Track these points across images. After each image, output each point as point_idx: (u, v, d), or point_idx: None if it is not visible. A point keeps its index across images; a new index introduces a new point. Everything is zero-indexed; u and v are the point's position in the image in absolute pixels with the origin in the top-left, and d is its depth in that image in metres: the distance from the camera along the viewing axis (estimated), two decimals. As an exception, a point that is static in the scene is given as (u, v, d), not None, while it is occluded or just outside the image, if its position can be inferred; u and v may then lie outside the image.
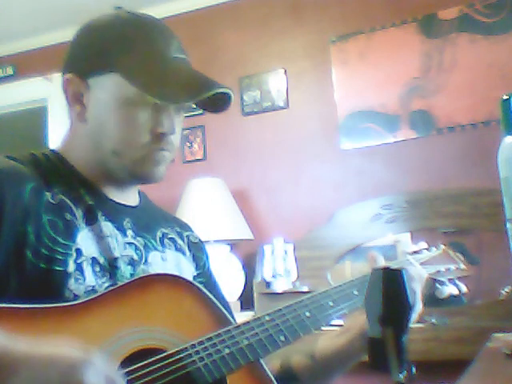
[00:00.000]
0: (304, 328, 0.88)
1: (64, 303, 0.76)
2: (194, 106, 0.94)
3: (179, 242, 1.03)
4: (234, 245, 2.76)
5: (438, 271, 1.10)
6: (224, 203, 2.69)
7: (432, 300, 1.05)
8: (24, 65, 3.50)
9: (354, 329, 0.96)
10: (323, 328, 0.94)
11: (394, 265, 1.03)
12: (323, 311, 0.92)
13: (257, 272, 2.67)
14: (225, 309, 0.88)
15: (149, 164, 0.90)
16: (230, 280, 2.57)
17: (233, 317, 0.92)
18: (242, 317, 0.93)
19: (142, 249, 0.93)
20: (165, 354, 0.76)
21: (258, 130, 2.96)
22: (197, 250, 1.07)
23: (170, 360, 0.76)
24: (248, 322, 0.84)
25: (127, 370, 0.72)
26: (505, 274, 2.02)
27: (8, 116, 3.64)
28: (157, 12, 2.42)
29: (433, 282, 1.10)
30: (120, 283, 0.83)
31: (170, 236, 1.02)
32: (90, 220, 0.87)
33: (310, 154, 2.84)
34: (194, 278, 1.02)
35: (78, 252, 0.83)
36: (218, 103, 0.92)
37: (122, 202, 0.95)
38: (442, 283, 1.09)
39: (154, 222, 1.01)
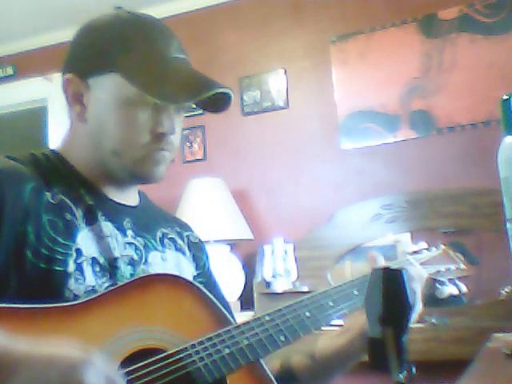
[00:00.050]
0: (304, 328, 0.88)
1: (64, 303, 0.76)
2: (194, 106, 0.94)
3: (179, 242, 1.03)
4: (234, 245, 2.76)
5: (438, 271, 1.10)
6: (224, 203, 2.69)
7: (432, 300, 1.05)
8: (24, 65, 3.50)
9: (353, 329, 0.96)
10: (323, 328, 0.94)
11: (394, 265, 1.03)
12: (323, 311, 0.92)
13: (257, 272, 2.67)
14: (225, 309, 0.88)
15: (149, 164, 0.90)
16: (230, 280, 2.57)
17: (233, 317, 0.92)
18: (241, 317, 0.92)
19: (141, 249, 0.93)
20: (165, 354, 0.76)
21: (258, 130, 2.96)
22: (197, 250, 1.07)
23: (170, 360, 0.76)
24: (248, 322, 0.84)
25: (127, 369, 0.72)
26: (505, 274, 2.02)
27: (8, 116, 3.64)
28: (157, 12, 2.42)
29: (433, 282, 1.09)
30: (120, 283, 0.83)
31: (170, 236, 1.02)
32: (90, 220, 0.87)
33: (309, 154, 2.84)
34: (194, 278, 1.02)
35: (78, 252, 0.83)
36: (218, 103, 0.92)
37: (122, 202, 0.95)
38: (441, 283, 1.09)
39: (154, 221, 1.01)
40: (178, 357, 0.76)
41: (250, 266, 2.73)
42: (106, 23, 0.92)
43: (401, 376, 0.62)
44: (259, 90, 2.97)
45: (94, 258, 0.85)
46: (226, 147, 3.02)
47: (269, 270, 2.59)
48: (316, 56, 2.88)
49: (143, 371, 0.73)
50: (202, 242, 1.10)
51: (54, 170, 0.90)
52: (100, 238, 0.87)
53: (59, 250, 0.81)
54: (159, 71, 0.88)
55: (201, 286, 0.87)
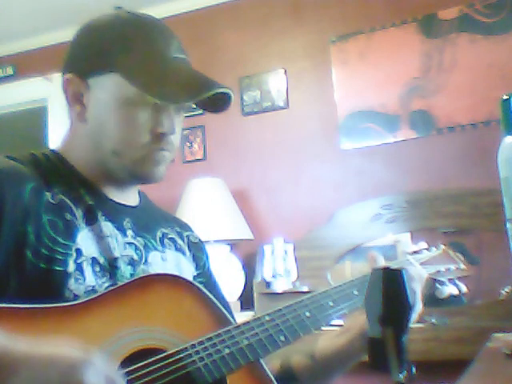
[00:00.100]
0: (304, 328, 0.88)
1: (64, 303, 0.76)
2: (194, 106, 0.94)
3: (179, 242, 1.03)
4: (234, 245, 2.76)
5: (438, 271, 1.10)
6: (224, 203, 2.69)
7: (432, 300, 1.05)
8: (24, 65, 3.50)
9: (353, 329, 0.96)
10: (323, 328, 0.94)
11: (394, 265, 1.03)
12: (323, 311, 0.92)
13: (257, 272, 2.67)
14: (225, 309, 0.88)
15: (149, 164, 0.90)
16: (230, 280, 2.57)
17: (233, 317, 0.92)
18: (242, 317, 0.92)
19: (141, 249, 0.93)
20: (165, 353, 0.76)
21: (258, 130, 2.96)
22: (197, 250, 1.07)
23: (170, 360, 0.76)
24: (248, 322, 0.84)
25: (127, 369, 0.72)
26: (505, 274, 2.02)
27: (8, 116, 3.64)
28: (157, 12, 2.42)
29: (433, 282, 1.09)
30: (120, 283, 0.83)
31: (170, 236, 1.02)
32: (90, 220, 0.87)
33: (310, 154, 2.84)
34: (194, 278, 1.02)
35: (78, 252, 0.83)
36: (218, 103, 0.92)
37: (122, 202, 0.95)
38: (441, 283, 1.09)
39: (154, 221, 1.01)
40: (177, 357, 0.76)
41: (250, 265, 2.73)
42: (106, 23, 0.92)
43: (401, 376, 0.62)
44: (259, 90, 2.97)
45: (94, 258, 0.85)
46: (225, 147, 3.02)
47: (269, 270, 2.59)
48: (316, 56, 2.88)
49: (143, 371, 0.73)
50: (202, 241, 1.10)
51: (54, 170, 0.90)
52: (100, 238, 0.87)
53: (59, 249, 0.81)
54: (159, 71, 0.88)
55: (201, 286, 0.87)
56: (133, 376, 0.72)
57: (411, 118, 2.65)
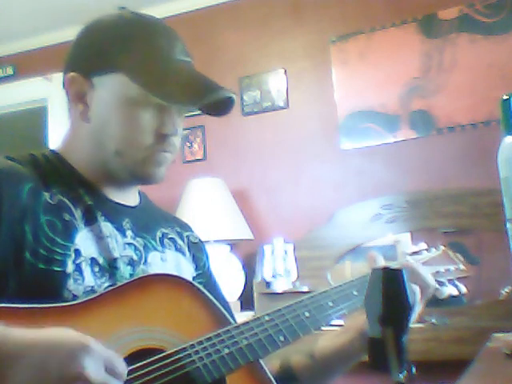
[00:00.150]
0: (303, 328, 0.88)
1: (63, 303, 0.76)
2: (198, 112, 0.94)
3: (179, 242, 1.03)
4: (234, 245, 2.76)
5: (438, 272, 1.10)
6: (224, 203, 2.69)
7: (432, 300, 1.05)
8: (24, 65, 3.50)
9: (353, 329, 0.96)
10: (323, 328, 0.94)
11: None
12: (323, 311, 0.92)
13: (257, 272, 2.67)
14: (225, 309, 0.88)
15: (150, 165, 0.90)
16: (230, 280, 2.57)
17: (233, 317, 0.92)
18: (242, 317, 0.92)
19: (141, 249, 0.93)
20: (164, 353, 0.76)
21: (258, 130, 2.96)
22: (197, 251, 1.07)
23: (169, 360, 0.76)
24: (247, 322, 0.84)
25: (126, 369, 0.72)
26: (505, 274, 2.02)
27: (8, 116, 3.64)
28: (157, 12, 2.41)
29: (432, 283, 1.09)
30: (119, 283, 0.82)
31: (169, 236, 1.01)
32: (90, 220, 0.87)
33: (310, 154, 2.84)
34: (194, 278, 1.01)
35: (77, 252, 0.83)
36: (220, 106, 0.92)
37: (122, 203, 0.95)
38: (441, 284, 1.09)
39: (154, 222, 1.00)
40: (177, 357, 0.76)
41: (250, 265, 2.73)
42: (111, 23, 0.92)
43: (401, 376, 0.62)
44: (259, 90, 2.97)
45: (93, 259, 0.85)
46: (226, 147, 3.02)
47: (269, 270, 2.59)
48: (316, 56, 2.88)
49: (142, 371, 0.73)
50: (202, 242, 1.10)
51: (53, 171, 0.90)
52: (99, 238, 0.87)
53: (58, 250, 0.81)
54: (163, 71, 0.87)
55: (200, 287, 0.86)
56: (132, 376, 0.72)
57: (411, 118, 2.65)
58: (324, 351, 0.99)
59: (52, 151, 0.94)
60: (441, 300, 1.09)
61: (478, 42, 2.56)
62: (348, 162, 2.76)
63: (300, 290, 2.46)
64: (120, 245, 0.89)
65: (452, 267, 1.14)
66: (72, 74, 0.90)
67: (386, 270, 0.67)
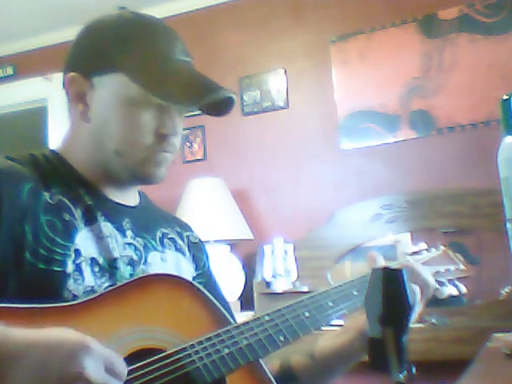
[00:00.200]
0: (303, 328, 0.88)
1: (63, 303, 0.76)
2: (198, 112, 0.94)
3: (179, 242, 1.03)
4: (234, 245, 2.76)
5: (438, 272, 1.10)
6: (224, 203, 2.69)
7: (432, 300, 1.05)
8: (24, 65, 3.50)
9: (353, 329, 0.96)
10: (323, 328, 0.94)
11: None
12: (323, 311, 0.92)
13: (257, 272, 2.67)
14: (225, 309, 0.88)
15: (150, 165, 0.90)
16: (230, 280, 2.57)
17: (233, 317, 0.92)
18: (242, 317, 0.92)
19: (141, 249, 0.93)
20: (164, 353, 0.76)
21: (258, 130, 2.96)
22: (197, 251, 1.07)
23: (169, 360, 0.76)
24: (247, 322, 0.84)
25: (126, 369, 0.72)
26: (505, 274, 2.02)
27: (8, 116, 3.64)
28: (157, 12, 2.41)
29: (432, 283, 1.09)
30: (119, 283, 0.82)
31: (169, 236, 1.01)
32: (89, 220, 0.87)
33: (310, 154, 2.84)
34: (194, 278, 1.01)
35: (77, 252, 0.83)
36: (220, 106, 0.92)
37: (122, 202, 0.95)
38: (441, 284, 1.09)
39: (154, 222, 1.00)
40: (177, 357, 0.76)
41: (250, 265, 2.73)
42: (111, 23, 0.92)
43: (401, 376, 0.62)
44: (259, 90, 2.97)
45: (93, 259, 0.85)
46: (226, 147, 3.02)
47: (269, 270, 2.59)
48: (316, 56, 2.88)
49: (142, 371, 0.73)
50: (202, 242, 1.10)
51: (53, 171, 0.90)
52: (99, 238, 0.87)
53: (58, 250, 0.81)
54: (164, 72, 0.87)
55: (200, 287, 0.86)
56: (132, 376, 0.72)
57: (411, 118, 2.65)
58: (324, 351, 0.99)
59: (52, 151, 0.94)
60: (441, 300, 1.09)
61: (477, 42, 2.56)
62: (348, 161, 2.76)
63: (300, 290, 2.46)
64: (120, 245, 0.89)
65: (452, 267, 1.14)
66: (72, 74, 0.90)
67: (386, 270, 0.67)
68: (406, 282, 0.65)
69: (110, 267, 0.86)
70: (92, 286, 0.82)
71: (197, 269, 1.04)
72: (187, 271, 1.01)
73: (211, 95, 0.86)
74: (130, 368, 0.72)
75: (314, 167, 2.82)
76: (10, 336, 0.62)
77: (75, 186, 0.89)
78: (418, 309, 0.96)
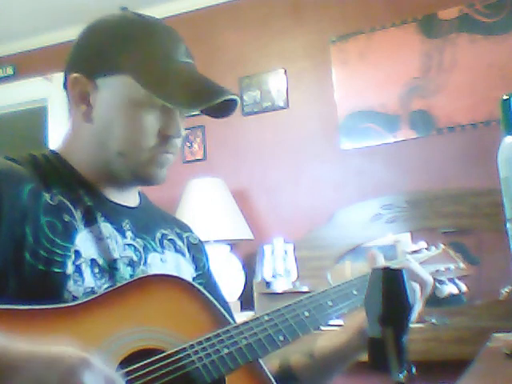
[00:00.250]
0: (303, 328, 0.88)
1: (63, 304, 0.76)
2: (199, 112, 0.94)
3: (179, 243, 1.03)
4: (234, 245, 2.76)
5: (438, 270, 1.10)
6: (224, 203, 2.69)
7: (432, 300, 1.05)
8: (24, 65, 3.50)
9: (353, 328, 0.96)
10: (322, 328, 0.94)
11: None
12: (322, 311, 0.92)
13: (257, 272, 2.67)
14: (224, 310, 0.88)
15: (153, 166, 0.90)
16: (230, 280, 2.57)
17: (232, 317, 0.92)
18: (242, 317, 0.92)
19: (141, 250, 0.93)
20: (163, 354, 0.76)
21: (258, 130, 2.96)
22: (196, 251, 1.07)
23: (169, 360, 0.76)
24: (247, 322, 0.84)
25: (126, 370, 0.72)
26: (505, 274, 2.02)
27: (8, 116, 3.64)
28: (157, 12, 2.42)
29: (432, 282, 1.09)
30: (119, 284, 0.82)
31: (169, 237, 1.01)
32: (89, 221, 0.87)
33: (310, 154, 2.84)
34: (194, 279, 1.01)
35: (77, 253, 0.83)
36: (222, 108, 0.92)
37: (122, 203, 0.95)
38: (441, 282, 1.09)
39: (154, 223, 1.00)
40: (176, 357, 0.76)
41: (250, 265, 2.73)
42: (114, 23, 0.92)
43: (401, 376, 0.62)
44: (259, 90, 2.97)
45: (93, 260, 0.85)
46: (226, 147, 3.02)
47: (269, 270, 2.59)
48: (316, 56, 2.88)
49: (142, 371, 0.73)
50: (201, 242, 1.10)
51: (53, 171, 0.89)
52: (99, 239, 0.87)
53: (58, 251, 0.81)
54: (169, 74, 0.87)
55: (200, 287, 0.87)
56: (132, 376, 0.72)
57: (411, 117, 2.65)
58: (323, 351, 0.99)
59: (52, 151, 0.94)
60: (441, 299, 1.09)
61: (477, 42, 2.56)
62: (348, 162, 2.76)
63: (300, 290, 2.46)
64: (120, 246, 0.89)
65: (452, 266, 1.14)
66: (75, 74, 0.90)
67: (386, 269, 0.67)
68: (406, 281, 0.65)
69: (109, 268, 0.86)
70: (92, 287, 0.82)
71: (196, 269, 1.04)
72: (187, 272, 1.01)
73: (214, 98, 0.86)
74: (130, 368, 0.72)
75: (313, 167, 2.82)
76: (12, 348, 0.61)
77: (75, 187, 0.89)
78: (417, 307, 0.96)
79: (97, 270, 0.84)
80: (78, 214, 0.86)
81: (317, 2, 2.90)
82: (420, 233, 2.41)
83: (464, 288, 1.13)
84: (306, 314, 0.90)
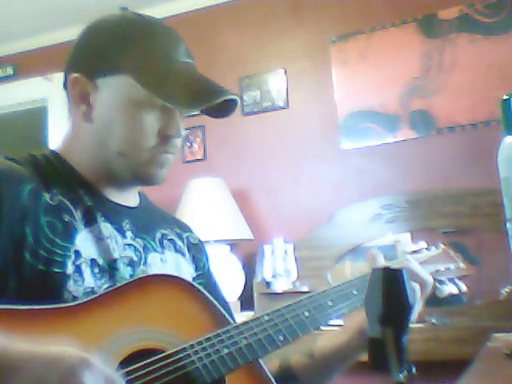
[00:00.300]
0: (303, 328, 0.88)
1: (63, 304, 0.76)
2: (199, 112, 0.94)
3: (179, 243, 1.03)
4: (234, 245, 2.76)
5: (438, 270, 1.10)
6: (224, 203, 2.69)
7: (432, 300, 1.05)
8: (24, 65, 3.50)
9: (353, 328, 0.96)
10: (322, 328, 0.94)
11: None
12: (322, 311, 0.92)
13: (257, 272, 2.67)
14: (224, 310, 0.88)
15: (153, 166, 0.90)
16: (230, 280, 2.57)
17: (232, 317, 0.92)
18: (242, 317, 0.92)
19: (141, 250, 0.93)
20: (163, 354, 0.76)
21: (258, 130, 2.96)
22: (196, 251, 1.07)
23: (169, 360, 0.76)
24: (247, 322, 0.84)
25: (126, 370, 0.72)
26: (505, 274, 2.02)
27: (8, 116, 3.64)
28: (157, 12, 2.42)
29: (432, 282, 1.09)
30: (119, 284, 0.82)
31: (169, 237, 1.01)
32: (89, 221, 0.87)
33: (310, 154, 2.84)
34: (194, 279, 1.01)
35: (77, 254, 0.83)
36: (222, 108, 0.92)
37: (122, 203, 0.95)
38: (441, 282, 1.09)
39: (154, 223, 1.00)
40: (176, 357, 0.76)
41: (250, 265, 2.73)
42: (115, 23, 0.92)
43: (401, 376, 0.62)
44: (259, 90, 2.97)
45: (93, 260, 0.85)
46: (226, 147, 3.02)
47: (269, 270, 2.59)
48: (316, 56, 2.88)
49: (142, 371, 0.73)
50: (201, 242, 1.10)
51: (53, 171, 0.89)
52: (99, 239, 0.87)
53: (58, 251, 0.81)
54: (170, 74, 0.87)
55: (200, 287, 0.87)
56: (132, 376, 0.72)
57: (411, 117, 2.65)
58: (323, 351, 0.99)
59: (52, 151, 0.94)
60: (441, 299, 1.09)
61: (477, 42, 2.56)
62: (348, 162, 2.76)
63: (300, 290, 2.46)
64: (120, 246, 0.89)
65: (452, 266, 1.14)
66: (75, 74, 0.90)
67: (386, 269, 0.67)
68: (406, 281, 0.65)
69: (109, 268, 0.86)
70: (92, 287, 0.82)
71: (196, 269, 1.04)
72: (187, 272, 1.01)
73: (214, 98, 0.86)
74: (130, 368, 0.72)
75: (314, 167, 2.82)
76: (12, 348, 0.61)
77: (75, 187, 0.89)
78: (417, 307, 0.96)
79: (97, 270, 0.84)
80: (78, 214, 0.86)
81: (317, 2, 2.90)
82: (420, 233, 2.41)
83: (464, 288, 1.13)
84: (306, 313, 0.90)
